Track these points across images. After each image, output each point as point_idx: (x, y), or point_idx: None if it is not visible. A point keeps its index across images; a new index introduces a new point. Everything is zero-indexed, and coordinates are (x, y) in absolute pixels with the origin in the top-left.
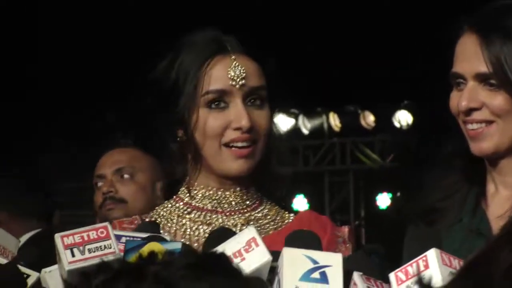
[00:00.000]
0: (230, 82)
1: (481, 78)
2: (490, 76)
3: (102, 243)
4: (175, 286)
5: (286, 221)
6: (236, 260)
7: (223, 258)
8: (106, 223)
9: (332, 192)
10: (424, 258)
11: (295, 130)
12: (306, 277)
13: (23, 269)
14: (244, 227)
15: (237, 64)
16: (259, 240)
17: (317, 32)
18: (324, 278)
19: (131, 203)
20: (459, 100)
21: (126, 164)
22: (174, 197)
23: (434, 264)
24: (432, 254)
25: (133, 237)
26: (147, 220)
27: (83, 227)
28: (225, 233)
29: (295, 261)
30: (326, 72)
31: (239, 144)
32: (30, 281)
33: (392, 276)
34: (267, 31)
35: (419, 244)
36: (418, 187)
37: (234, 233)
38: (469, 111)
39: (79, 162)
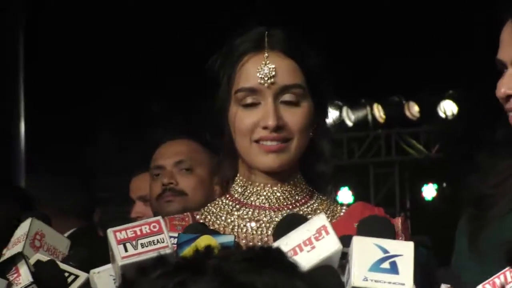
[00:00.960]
0: (259, 80)
1: None
2: None
3: (155, 237)
4: (235, 280)
5: (337, 215)
6: (306, 248)
7: (279, 253)
8: (159, 217)
9: (377, 184)
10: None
11: (339, 122)
12: (375, 267)
13: (72, 269)
14: None
15: (267, 62)
16: (329, 228)
17: (360, 23)
18: (394, 268)
19: (191, 196)
20: (497, 87)
21: (187, 156)
22: (226, 194)
23: None
24: None
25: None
26: (197, 216)
27: (135, 222)
28: (296, 219)
29: (365, 250)
30: (369, 63)
31: (268, 143)
32: (78, 282)
33: None
34: (311, 22)
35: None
36: (465, 177)
37: (305, 219)
38: (508, 97)
39: (123, 157)
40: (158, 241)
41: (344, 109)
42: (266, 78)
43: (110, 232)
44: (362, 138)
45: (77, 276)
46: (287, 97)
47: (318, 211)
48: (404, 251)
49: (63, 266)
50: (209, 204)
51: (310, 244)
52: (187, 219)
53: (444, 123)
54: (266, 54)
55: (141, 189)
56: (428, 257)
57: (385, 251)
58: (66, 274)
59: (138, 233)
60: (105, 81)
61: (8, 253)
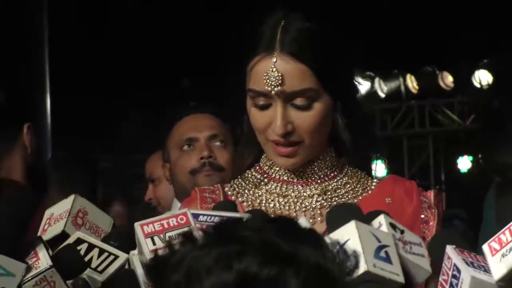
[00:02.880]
0: (267, 87)
1: None
2: None
3: (182, 230)
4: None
5: (367, 188)
6: None
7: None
8: (186, 210)
9: (411, 156)
10: None
11: (372, 93)
12: None
13: (112, 249)
14: (320, 198)
15: (274, 69)
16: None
17: None
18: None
19: (227, 172)
20: None
21: (219, 131)
22: (256, 165)
23: None
24: None
25: (211, 215)
26: (226, 189)
27: (162, 215)
28: (345, 209)
29: None
30: (402, 33)
31: (279, 146)
32: (118, 263)
33: (485, 247)
34: None
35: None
36: (500, 148)
37: (354, 208)
38: None
39: (149, 134)
40: None
41: (376, 80)
42: (273, 86)
43: (137, 226)
44: (395, 109)
45: (117, 256)
46: (298, 101)
47: (348, 185)
48: (349, 234)
49: (103, 245)
50: (239, 177)
51: None
52: (217, 191)
53: (479, 93)
54: (275, 59)
55: (147, 170)
56: (464, 229)
57: (337, 244)
58: (106, 254)
59: (166, 226)
60: (135, 56)
61: (50, 230)
